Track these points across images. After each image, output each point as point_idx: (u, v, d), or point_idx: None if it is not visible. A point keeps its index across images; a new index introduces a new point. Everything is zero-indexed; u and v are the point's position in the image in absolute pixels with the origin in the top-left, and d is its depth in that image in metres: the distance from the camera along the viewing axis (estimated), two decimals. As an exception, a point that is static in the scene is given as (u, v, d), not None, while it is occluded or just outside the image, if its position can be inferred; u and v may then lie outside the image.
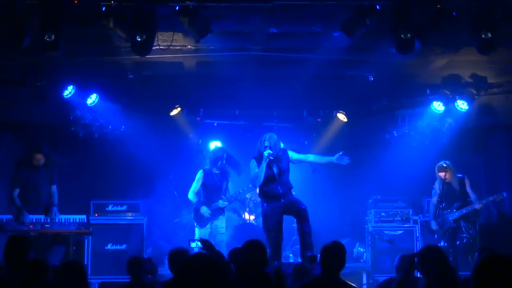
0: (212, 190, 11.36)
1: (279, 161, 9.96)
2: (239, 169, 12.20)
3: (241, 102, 13.59)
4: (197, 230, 11.30)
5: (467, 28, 9.09)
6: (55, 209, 10.83)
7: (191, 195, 11.45)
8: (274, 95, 13.31)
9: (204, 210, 11.17)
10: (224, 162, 11.50)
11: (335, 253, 6.04)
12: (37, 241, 10.33)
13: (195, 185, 11.44)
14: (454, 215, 10.80)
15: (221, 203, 11.22)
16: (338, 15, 9.46)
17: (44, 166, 11.11)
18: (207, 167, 11.52)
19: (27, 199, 10.88)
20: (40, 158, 11.01)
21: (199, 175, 11.46)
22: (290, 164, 10.15)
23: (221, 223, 11.30)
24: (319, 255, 6.21)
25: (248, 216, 12.86)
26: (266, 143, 9.88)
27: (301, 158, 10.33)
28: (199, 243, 7.62)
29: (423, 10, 8.98)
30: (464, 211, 10.80)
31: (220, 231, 11.22)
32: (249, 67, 11.89)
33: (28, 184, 10.97)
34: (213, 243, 10.48)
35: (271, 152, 9.77)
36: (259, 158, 9.91)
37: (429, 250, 6.19)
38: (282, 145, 10.30)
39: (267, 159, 9.75)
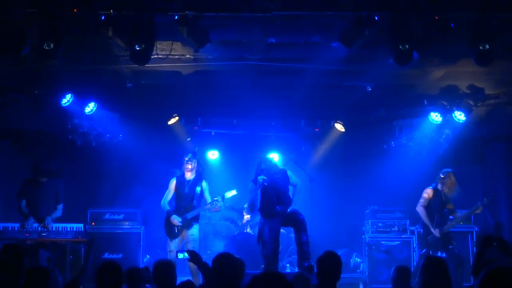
0: (182, 200, 11.07)
1: (277, 184, 10.01)
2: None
3: (239, 111, 13.60)
4: (168, 243, 10.95)
5: (465, 39, 9.11)
6: (48, 218, 10.82)
7: (163, 203, 11.08)
8: (272, 104, 13.31)
9: (175, 218, 10.84)
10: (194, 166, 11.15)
11: (331, 265, 6.04)
12: (33, 249, 10.31)
13: (167, 193, 11.14)
14: (446, 227, 10.76)
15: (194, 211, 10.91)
16: (336, 26, 9.46)
17: (49, 181, 11.13)
18: (180, 175, 11.22)
19: (25, 214, 10.94)
20: (42, 180, 11.07)
21: (171, 183, 11.17)
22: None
23: (193, 230, 10.95)
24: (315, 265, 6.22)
25: (246, 220, 12.81)
26: (263, 166, 9.98)
27: (292, 184, 10.26)
28: (186, 254, 7.62)
29: (421, 22, 9.00)
30: (459, 220, 10.79)
31: (191, 238, 10.85)
32: (248, 77, 11.90)
33: (29, 198, 11.02)
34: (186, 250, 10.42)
35: (265, 178, 9.86)
36: (256, 182, 10.00)
37: (431, 259, 6.17)
38: (281, 166, 10.34)
39: (261, 185, 9.81)
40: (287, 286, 3.40)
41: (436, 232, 10.73)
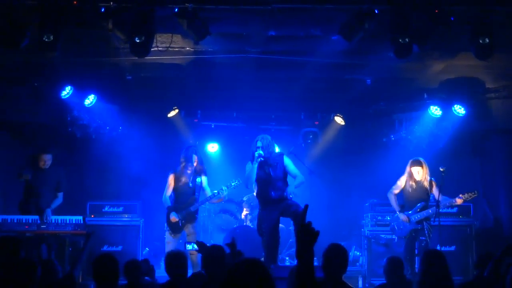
0: (183, 194, 10.98)
1: (273, 165, 9.79)
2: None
3: (239, 104, 13.60)
4: (167, 235, 10.88)
5: (465, 33, 9.12)
6: (48, 211, 10.83)
7: (164, 198, 10.94)
8: (272, 97, 13.32)
9: (173, 215, 10.75)
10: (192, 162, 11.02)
11: (337, 257, 6.01)
12: (31, 241, 10.32)
13: (167, 189, 10.98)
14: (417, 216, 10.68)
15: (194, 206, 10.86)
16: (336, 19, 9.46)
17: (51, 167, 11.13)
18: (178, 169, 11.04)
19: (26, 199, 10.93)
20: (48, 159, 11.03)
21: (170, 177, 11.02)
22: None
23: (196, 223, 10.97)
24: (315, 258, 6.20)
25: (245, 213, 12.81)
26: (259, 144, 9.74)
27: (290, 173, 9.99)
28: (195, 245, 7.63)
29: (421, 15, 8.99)
30: (430, 211, 10.68)
31: (192, 231, 10.83)
32: (247, 70, 11.90)
33: (32, 183, 10.99)
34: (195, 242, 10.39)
35: (261, 153, 9.66)
36: (253, 160, 9.85)
37: (430, 254, 6.18)
38: (278, 149, 10.22)
39: (258, 160, 9.66)
40: (265, 274, 3.47)
41: (401, 216, 10.76)
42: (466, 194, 10.55)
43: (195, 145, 11.52)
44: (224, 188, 11.10)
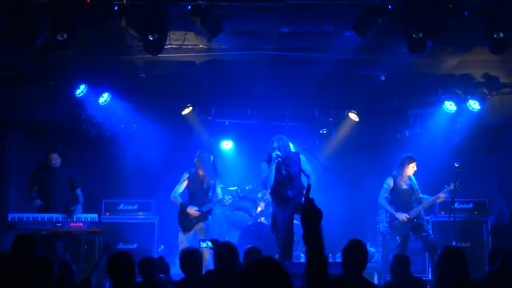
0: (197, 193, 11.07)
1: (289, 164, 9.84)
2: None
3: (253, 101, 13.60)
4: (180, 235, 10.96)
5: (479, 27, 9.06)
6: (79, 206, 10.91)
7: (174, 195, 11.00)
8: (286, 94, 13.30)
9: (192, 208, 10.81)
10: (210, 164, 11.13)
11: (357, 253, 6.00)
12: (48, 240, 10.36)
13: (179, 186, 11.07)
14: (413, 212, 10.74)
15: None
16: (349, 15, 9.45)
17: (62, 167, 11.19)
18: (193, 169, 11.12)
19: (42, 200, 10.99)
20: (54, 158, 11.09)
21: (184, 176, 11.11)
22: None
23: (208, 222, 11.01)
24: (330, 255, 6.18)
25: (260, 210, 12.82)
26: (275, 144, 9.79)
27: (304, 172, 10.08)
28: (209, 243, 7.63)
29: (435, 10, 8.94)
30: (425, 205, 10.72)
31: (204, 230, 10.87)
32: (261, 66, 11.88)
33: (42, 184, 11.06)
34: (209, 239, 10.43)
35: (279, 153, 9.69)
36: (269, 161, 9.85)
37: (449, 249, 6.14)
38: (293, 149, 10.22)
39: (276, 161, 9.67)
40: (282, 273, 3.48)
41: (401, 216, 10.73)
42: (446, 189, 10.70)
43: (205, 149, 11.46)
44: (228, 197, 11.14)
